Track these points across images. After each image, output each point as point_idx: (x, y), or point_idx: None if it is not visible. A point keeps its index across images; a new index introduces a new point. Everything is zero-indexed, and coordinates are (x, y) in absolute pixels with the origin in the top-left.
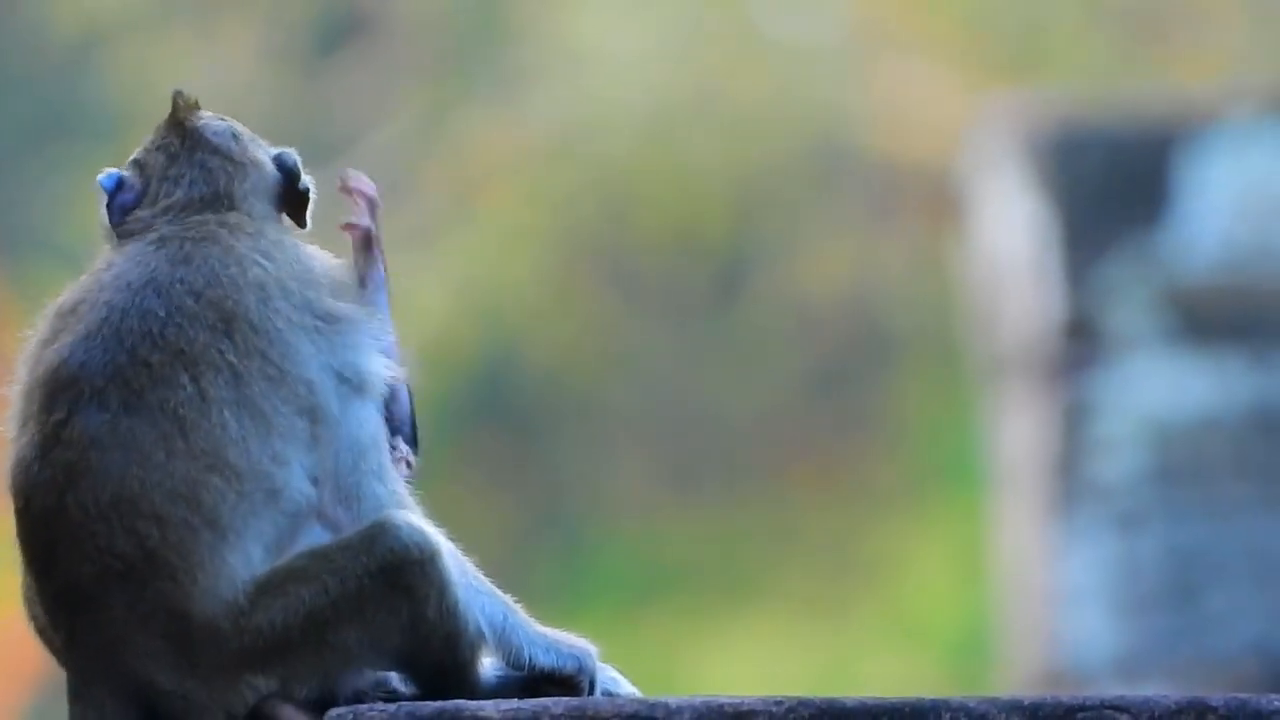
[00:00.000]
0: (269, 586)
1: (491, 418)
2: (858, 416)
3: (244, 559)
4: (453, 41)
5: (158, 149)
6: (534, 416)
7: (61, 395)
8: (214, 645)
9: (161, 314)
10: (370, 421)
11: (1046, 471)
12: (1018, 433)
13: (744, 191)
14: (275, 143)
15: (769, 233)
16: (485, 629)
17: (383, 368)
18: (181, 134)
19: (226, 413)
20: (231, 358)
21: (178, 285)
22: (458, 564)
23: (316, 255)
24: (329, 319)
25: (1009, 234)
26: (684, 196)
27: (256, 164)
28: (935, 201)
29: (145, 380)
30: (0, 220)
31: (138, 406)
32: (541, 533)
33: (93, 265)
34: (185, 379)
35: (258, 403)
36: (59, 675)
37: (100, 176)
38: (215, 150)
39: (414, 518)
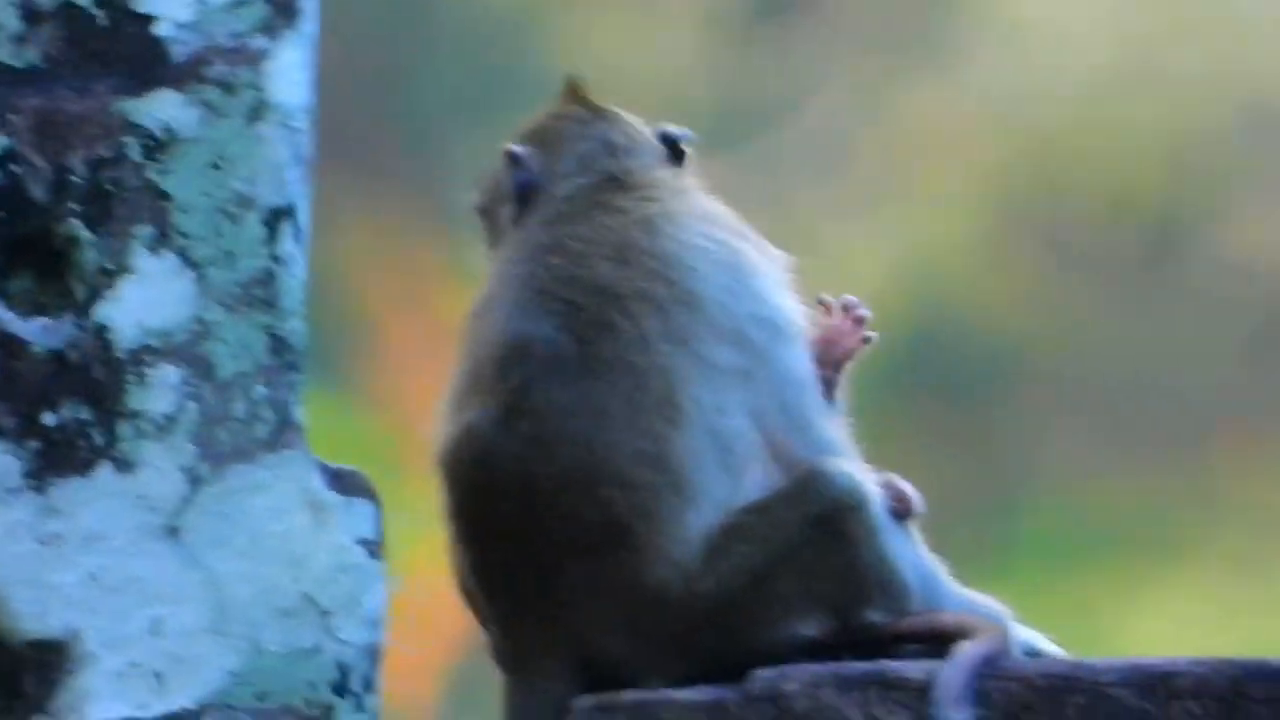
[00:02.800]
0: (716, 548)
1: (927, 381)
2: None
3: (700, 520)
4: (891, 10)
5: (558, 121)
6: (969, 380)
7: (514, 367)
8: (666, 611)
9: (564, 261)
10: (801, 360)
11: None
12: None
13: (1182, 154)
14: (713, 110)
15: (1204, 199)
16: (914, 581)
17: (798, 308)
18: (582, 108)
19: (665, 347)
20: (641, 284)
21: (575, 239)
22: (888, 512)
23: (718, 206)
24: (732, 254)
25: None
26: (1119, 163)
27: (648, 138)
28: None
29: (588, 328)
30: (438, 192)
31: (592, 363)
32: (972, 494)
33: (505, 241)
34: (617, 316)
35: (681, 333)
36: (482, 638)
37: (513, 146)
38: (615, 123)
39: (845, 464)
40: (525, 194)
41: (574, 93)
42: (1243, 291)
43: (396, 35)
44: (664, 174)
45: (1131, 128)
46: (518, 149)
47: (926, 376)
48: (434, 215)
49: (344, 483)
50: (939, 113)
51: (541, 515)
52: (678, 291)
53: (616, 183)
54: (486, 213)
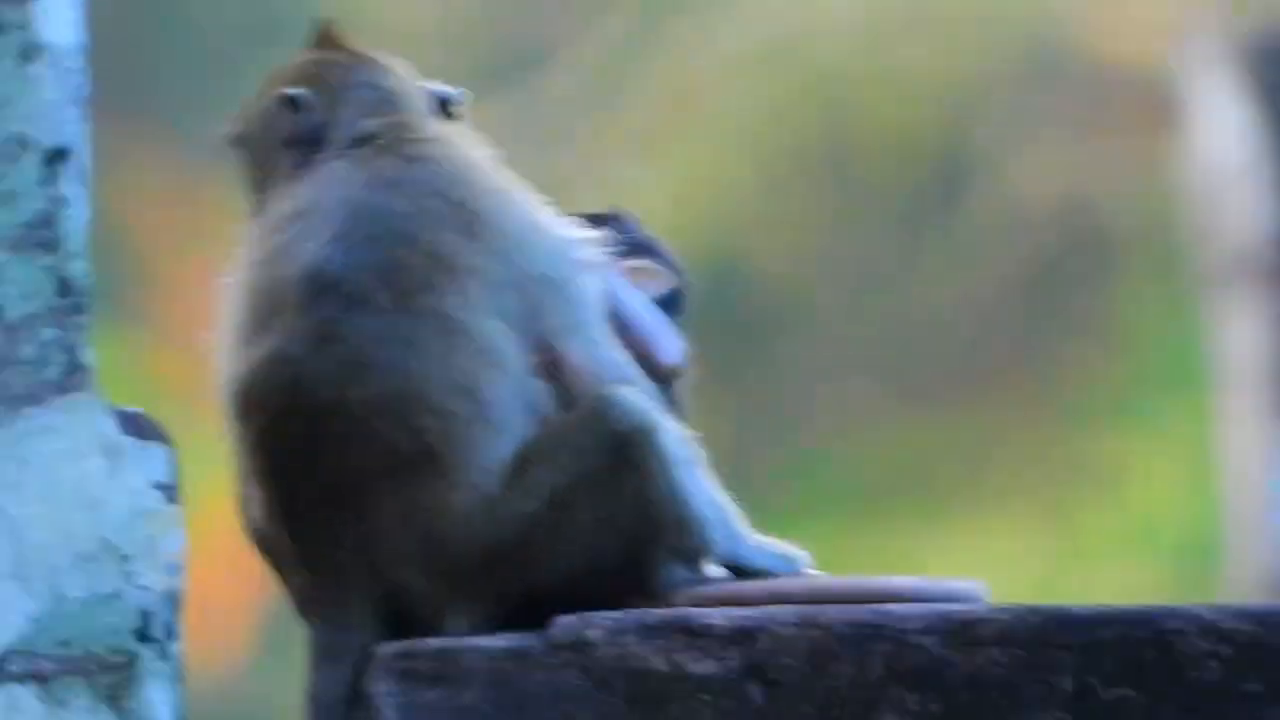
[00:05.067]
0: (514, 472)
1: (713, 322)
2: (1078, 320)
3: (504, 450)
4: None
5: (326, 66)
6: (755, 321)
7: (324, 296)
8: (469, 542)
9: (412, 211)
10: (593, 289)
11: (1268, 375)
12: (1239, 337)
13: (961, 95)
14: (491, 49)
15: (986, 136)
16: (711, 518)
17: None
18: (347, 53)
19: (491, 323)
20: (480, 260)
21: (419, 185)
22: (681, 444)
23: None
24: (538, 210)
25: (1224, 140)
26: (903, 103)
27: (418, 86)
28: (1151, 105)
29: (412, 284)
30: (215, 128)
31: (411, 309)
32: (763, 438)
33: (293, 177)
34: (448, 284)
35: (502, 300)
36: (281, 588)
37: (291, 89)
38: (383, 69)
39: (633, 392)
40: (311, 138)
41: (330, 37)
42: (1030, 228)
43: None
44: (448, 124)
45: (914, 67)
46: (296, 91)
47: (712, 319)
48: (218, 152)
49: (137, 425)
50: (721, 49)
51: (353, 440)
52: (513, 271)
53: (407, 128)
54: (251, 147)
